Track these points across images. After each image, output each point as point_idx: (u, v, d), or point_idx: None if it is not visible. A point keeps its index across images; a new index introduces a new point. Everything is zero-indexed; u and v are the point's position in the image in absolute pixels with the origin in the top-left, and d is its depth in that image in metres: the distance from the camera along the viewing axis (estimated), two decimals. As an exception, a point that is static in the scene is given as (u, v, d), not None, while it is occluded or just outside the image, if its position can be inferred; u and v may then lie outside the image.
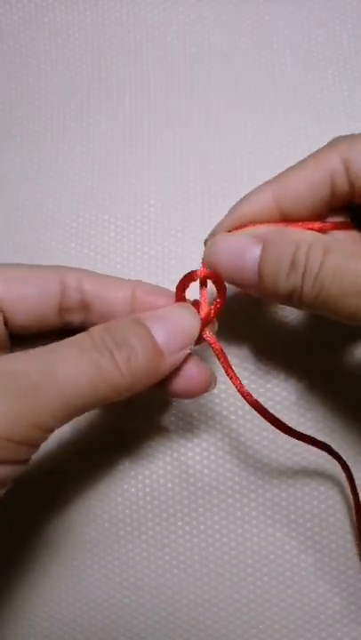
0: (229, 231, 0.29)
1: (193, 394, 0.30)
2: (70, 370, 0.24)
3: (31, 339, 0.30)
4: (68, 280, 0.29)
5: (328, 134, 0.30)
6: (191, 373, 0.29)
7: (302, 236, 0.27)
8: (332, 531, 0.36)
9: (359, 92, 0.40)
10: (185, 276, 0.29)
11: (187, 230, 0.39)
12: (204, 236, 0.30)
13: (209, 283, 0.29)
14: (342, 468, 0.33)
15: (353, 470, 0.33)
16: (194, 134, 0.40)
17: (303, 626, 0.35)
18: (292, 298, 0.27)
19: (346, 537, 0.35)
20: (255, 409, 0.29)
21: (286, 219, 0.29)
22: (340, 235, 0.29)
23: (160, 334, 0.26)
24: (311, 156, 0.29)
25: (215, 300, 0.29)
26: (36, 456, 0.25)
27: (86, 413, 0.25)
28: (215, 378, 0.30)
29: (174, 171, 0.40)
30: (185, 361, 0.29)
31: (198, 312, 0.28)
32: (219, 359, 0.29)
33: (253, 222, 0.29)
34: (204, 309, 0.29)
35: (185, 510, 0.36)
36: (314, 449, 0.32)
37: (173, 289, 0.29)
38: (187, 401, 0.37)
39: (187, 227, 0.39)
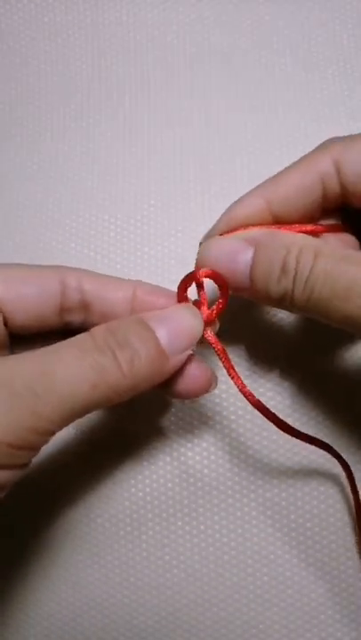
0: (222, 234, 0.29)
1: (194, 394, 0.30)
2: (70, 372, 0.24)
3: (31, 339, 0.30)
4: (68, 280, 0.29)
5: (328, 134, 0.30)
6: (192, 373, 0.29)
7: (293, 239, 0.27)
8: (332, 531, 0.36)
9: (359, 92, 0.40)
10: (187, 276, 0.29)
11: (187, 230, 0.39)
12: (205, 237, 0.30)
13: (209, 283, 0.29)
14: (343, 467, 0.33)
15: (353, 470, 0.33)
16: (194, 134, 0.40)
17: (303, 626, 0.35)
18: (283, 301, 0.27)
19: (346, 537, 0.35)
20: (257, 409, 0.29)
21: (279, 221, 0.29)
22: (332, 237, 0.29)
23: (163, 335, 0.26)
24: (302, 158, 0.29)
25: (218, 300, 0.29)
26: (36, 456, 0.25)
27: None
28: (216, 378, 0.30)
29: (174, 171, 0.40)
30: (186, 361, 0.29)
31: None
32: (220, 359, 0.29)
33: (246, 225, 0.29)
34: (205, 310, 0.29)
35: (185, 510, 0.36)
36: (314, 449, 0.32)
37: (174, 289, 0.29)
38: (187, 401, 0.37)
39: (187, 227, 0.39)
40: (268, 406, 0.30)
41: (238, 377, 0.29)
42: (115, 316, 0.29)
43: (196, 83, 0.41)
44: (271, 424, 0.30)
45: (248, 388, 0.29)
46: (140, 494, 0.37)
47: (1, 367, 0.24)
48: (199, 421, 0.37)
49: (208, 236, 0.30)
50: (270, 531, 0.36)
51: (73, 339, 0.25)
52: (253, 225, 0.29)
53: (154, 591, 0.36)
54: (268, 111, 0.40)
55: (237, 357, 0.37)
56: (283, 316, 0.37)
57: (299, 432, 0.30)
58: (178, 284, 0.29)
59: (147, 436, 0.37)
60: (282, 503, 0.36)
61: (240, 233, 0.28)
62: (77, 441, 0.37)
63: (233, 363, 0.29)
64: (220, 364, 0.29)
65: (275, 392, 0.37)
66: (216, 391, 0.37)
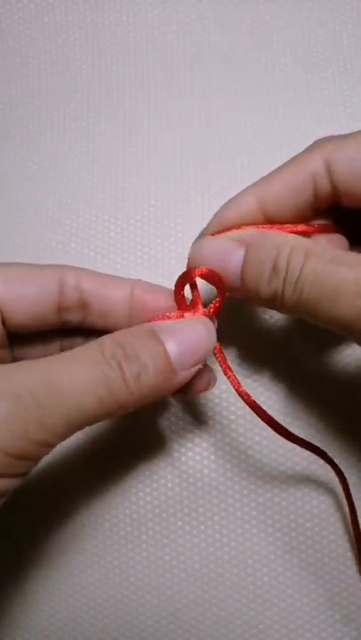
0: (214, 234, 0.29)
1: (193, 392, 0.30)
2: (77, 385, 0.23)
3: (30, 337, 0.30)
4: (67, 279, 0.29)
5: (328, 134, 0.29)
6: None
7: (284, 239, 0.27)
8: (332, 530, 0.36)
9: (359, 92, 0.40)
10: (183, 275, 0.29)
11: (187, 230, 0.39)
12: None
13: (202, 283, 0.29)
14: (336, 473, 0.33)
15: (347, 473, 0.33)
16: (194, 134, 0.40)
17: (303, 626, 0.35)
18: (274, 302, 0.27)
19: (346, 537, 0.35)
20: (253, 409, 0.29)
21: (271, 221, 0.29)
22: (322, 238, 0.29)
23: (174, 348, 0.25)
24: (294, 157, 0.29)
25: (215, 298, 0.29)
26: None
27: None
28: (215, 377, 0.30)
29: (174, 171, 0.40)
30: None
31: (194, 312, 0.28)
32: (217, 359, 0.29)
33: (239, 225, 0.29)
34: (200, 309, 0.29)
35: (185, 510, 0.36)
36: (313, 448, 0.32)
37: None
38: (187, 400, 0.37)
39: (187, 227, 0.39)
40: (264, 408, 0.30)
41: (235, 377, 0.29)
42: (114, 314, 0.29)
43: (196, 83, 0.41)
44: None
45: (245, 388, 0.29)
46: (140, 494, 0.37)
47: (8, 375, 0.23)
48: (199, 421, 0.37)
49: (201, 236, 0.30)
50: (270, 531, 0.36)
51: (82, 348, 0.25)
52: (246, 225, 0.29)
53: (154, 591, 0.36)
54: (268, 111, 0.40)
55: (237, 357, 0.37)
56: (279, 317, 0.37)
57: (292, 435, 0.30)
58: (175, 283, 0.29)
59: (146, 435, 0.37)
60: (282, 503, 0.36)
61: (232, 233, 0.29)
62: (77, 441, 0.37)
63: (230, 362, 0.29)
64: (217, 364, 0.29)
65: (272, 392, 0.37)
66: (216, 391, 0.37)
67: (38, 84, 0.42)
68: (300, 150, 0.29)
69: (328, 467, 0.33)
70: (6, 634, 0.36)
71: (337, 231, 0.30)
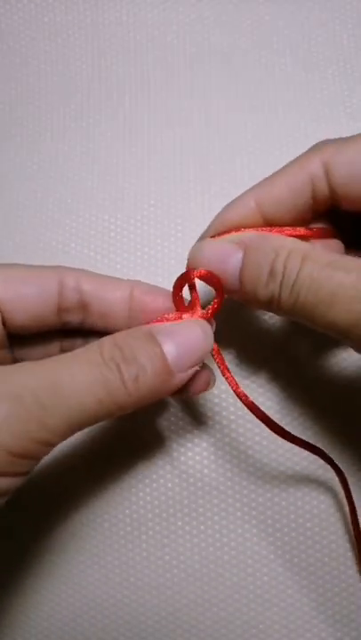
0: (214, 236, 0.29)
1: (192, 393, 0.30)
2: (78, 386, 0.24)
3: (30, 338, 0.30)
4: (67, 280, 0.29)
5: (328, 134, 0.30)
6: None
7: (283, 243, 0.27)
8: (332, 530, 0.36)
9: (359, 92, 0.40)
10: (181, 277, 0.29)
11: (187, 230, 0.39)
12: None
13: (200, 284, 0.29)
14: (336, 473, 0.33)
15: (346, 472, 0.33)
16: (194, 134, 0.40)
17: (303, 626, 0.35)
18: (271, 305, 0.27)
19: (345, 536, 0.35)
20: (251, 410, 0.29)
21: (270, 223, 0.29)
22: (321, 242, 0.29)
23: (171, 350, 0.26)
24: (294, 160, 0.29)
25: (213, 300, 0.29)
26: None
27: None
28: (214, 377, 0.30)
29: (174, 171, 0.40)
30: None
31: (192, 313, 0.28)
32: (215, 360, 0.29)
33: (238, 228, 0.29)
34: (198, 310, 0.29)
35: (185, 510, 0.36)
36: (313, 448, 0.32)
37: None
38: (186, 400, 0.37)
39: (187, 227, 0.39)
40: (262, 408, 0.30)
41: (233, 378, 0.29)
42: (113, 315, 0.29)
43: (196, 83, 0.41)
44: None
45: (243, 389, 0.29)
46: (140, 494, 0.37)
47: (9, 377, 0.24)
48: (198, 421, 0.37)
49: (201, 239, 0.30)
50: (270, 531, 0.36)
51: (83, 349, 0.25)
52: (246, 227, 0.29)
53: (154, 591, 0.36)
54: (268, 111, 0.40)
55: (235, 358, 0.37)
56: (278, 319, 0.37)
57: (290, 435, 0.30)
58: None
59: (146, 436, 0.37)
60: (282, 503, 0.36)
61: (231, 235, 0.29)
62: (77, 442, 0.37)
63: (228, 364, 0.29)
64: (215, 365, 0.29)
65: (270, 393, 0.37)
66: (215, 391, 0.37)
67: (38, 84, 0.42)
68: (301, 150, 0.29)
69: (328, 467, 0.33)
70: (6, 634, 0.36)
71: (335, 235, 0.30)
